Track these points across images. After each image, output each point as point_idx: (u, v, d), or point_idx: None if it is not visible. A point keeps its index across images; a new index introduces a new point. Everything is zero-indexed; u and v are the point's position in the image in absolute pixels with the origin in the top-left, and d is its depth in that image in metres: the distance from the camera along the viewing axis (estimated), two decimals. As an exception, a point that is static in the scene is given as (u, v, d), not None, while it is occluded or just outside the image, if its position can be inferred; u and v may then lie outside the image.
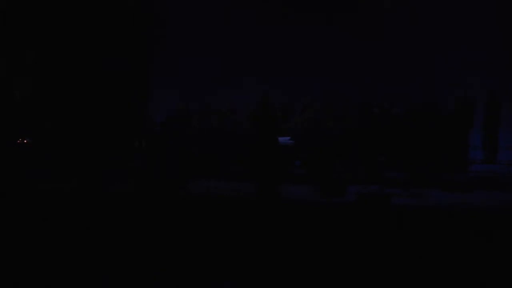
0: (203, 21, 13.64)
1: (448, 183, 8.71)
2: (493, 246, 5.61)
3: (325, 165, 9.04)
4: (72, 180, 8.80)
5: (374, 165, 8.82)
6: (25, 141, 9.24)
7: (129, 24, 12.86)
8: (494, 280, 5.49)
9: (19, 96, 9.19)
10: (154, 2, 13.82)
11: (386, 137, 9.69)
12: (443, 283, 5.58)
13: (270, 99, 8.29)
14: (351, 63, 12.47)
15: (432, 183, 8.84)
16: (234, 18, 13.34)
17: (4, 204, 6.98)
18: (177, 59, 13.85)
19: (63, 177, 9.11)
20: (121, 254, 6.35)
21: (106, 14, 12.35)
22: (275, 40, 13.08)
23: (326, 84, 12.57)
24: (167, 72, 13.90)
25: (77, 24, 11.91)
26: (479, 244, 5.64)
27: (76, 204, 6.81)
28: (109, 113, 10.87)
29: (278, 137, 8.03)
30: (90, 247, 6.46)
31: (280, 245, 6.01)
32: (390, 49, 12.15)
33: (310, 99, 10.88)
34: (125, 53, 12.69)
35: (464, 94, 10.15)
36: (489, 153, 9.79)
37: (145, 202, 6.64)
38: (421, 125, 9.48)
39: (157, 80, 13.92)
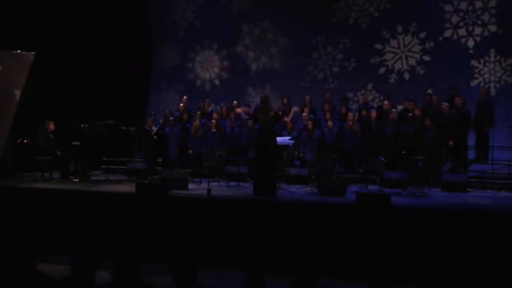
0: (203, 21, 13.68)
1: (448, 183, 8.72)
2: (493, 246, 5.62)
3: (325, 165, 9.05)
4: (72, 180, 8.82)
5: (374, 165, 8.83)
6: (25, 141, 9.25)
7: (129, 23, 12.90)
8: (494, 280, 5.50)
9: (19, 96, 9.21)
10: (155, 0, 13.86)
11: (386, 137, 9.71)
12: (443, 283, 5.60)
13: (270, 99, 8.31)
14: (351, 63, 12.51)
15: (432, 183, 8.87)
16: (234, 17, 13.38)
17: (3, 204, 7.00)
18: (177, 59, 13.89)
19: (63, 177, 9.14)
20: (121, 253, 6.36)
21: (106, 13, 12.38)
22: (274, 40, 13.13)
23: (326, 84, 12.61)
24: (167, 71, 13.94)
25: (77, 23, 11.95)
26: (479, 244, 5.64)
27: (76, 204, 6.83)
28: (109, 112, 10.88)
29: (278, 137, 8.03)
30: (90, 247, 6.47)
31: (280, 245, 6.03)
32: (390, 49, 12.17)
33: (310, 99, 10.89)
34: (125, 52, 12.72)
35: (464, 94, 10.17)
36: (485, 153, 9.80)
37: (145, 202, 6.65)
38: (421, 125, 9.50)
39: (157, 80, 13.96)
